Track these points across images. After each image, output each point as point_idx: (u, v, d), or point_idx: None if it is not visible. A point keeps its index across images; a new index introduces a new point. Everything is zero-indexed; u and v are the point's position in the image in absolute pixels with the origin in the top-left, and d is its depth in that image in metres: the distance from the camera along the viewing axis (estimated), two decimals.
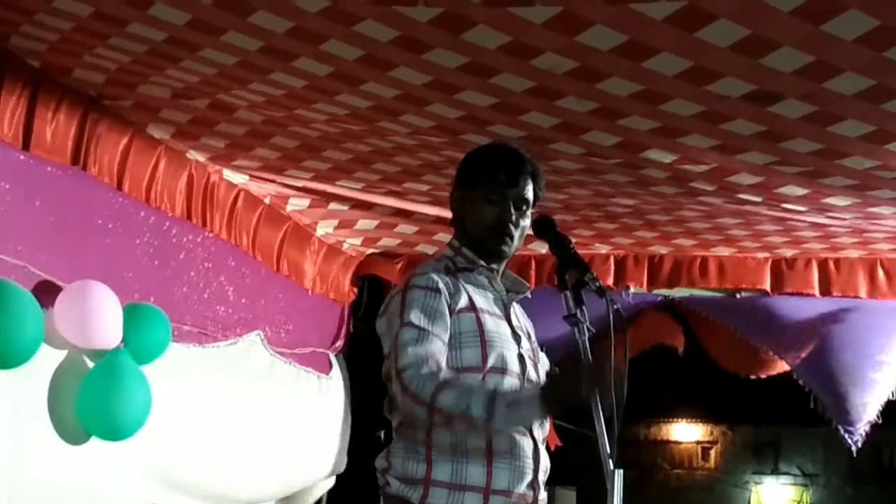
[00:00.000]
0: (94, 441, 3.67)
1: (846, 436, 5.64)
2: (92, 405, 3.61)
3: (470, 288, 2.66)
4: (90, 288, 3.65)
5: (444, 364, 2.50)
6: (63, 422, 3.60)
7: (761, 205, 4.37)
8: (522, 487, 2.56)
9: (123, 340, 3.71)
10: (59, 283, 3.63)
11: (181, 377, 4.20)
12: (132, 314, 3.79)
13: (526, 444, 2.59)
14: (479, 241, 2.70)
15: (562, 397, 2.43)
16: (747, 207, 4.47)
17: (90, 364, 3.70)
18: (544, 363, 2.80)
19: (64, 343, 3.61)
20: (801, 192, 4.13)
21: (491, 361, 2.58)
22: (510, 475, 2.54)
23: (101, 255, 3.97)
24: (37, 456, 3.51)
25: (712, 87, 3.12)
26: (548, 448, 2.76)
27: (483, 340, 2.58)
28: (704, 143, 3.66)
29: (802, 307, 5.67)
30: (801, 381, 5.83)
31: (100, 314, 3.62)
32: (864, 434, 5.64)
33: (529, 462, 2.58)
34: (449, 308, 2.58)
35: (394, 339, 2.53)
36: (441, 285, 2.59)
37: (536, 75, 3.14)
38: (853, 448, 5.61)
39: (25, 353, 3.32)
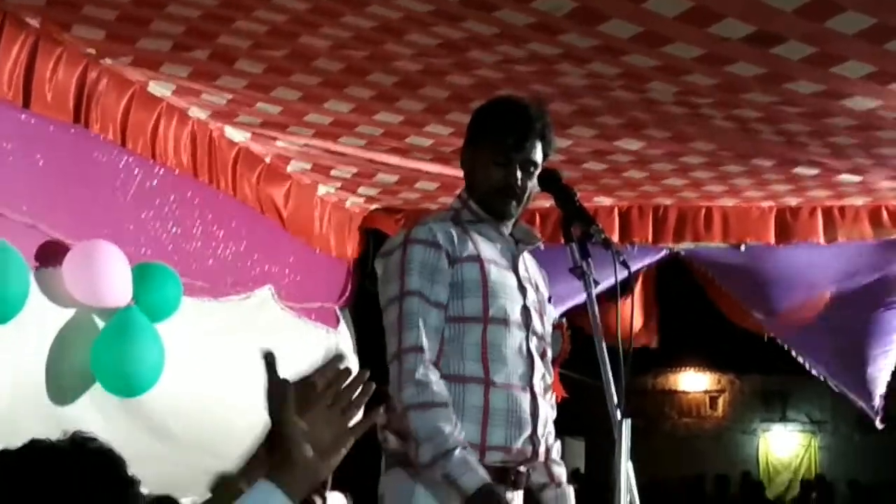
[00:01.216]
0: (108, 395, 3.73)
1: (869, 411, 5.71)
2: (106, 362, 3.66)
3: (478, 237, 2.66)
4: (98, 247, 3.68)
5: (436, 346, 2.53)
6: (75, 379, 3.64)
7: (770, 134, 4.29)
8: (520, 442, 2.57)
9: (134, 299, 3.76)
10: (69, 242, 3.66)
11: (197, 329, 4.26)
12: (142, 273, 3.83)
13: (523, 398, 2.59)
14: (485, 201, 2.69)
15: None
16: (752, 126, 4.40)
17: (100, 322, 3.74)
18: (551, 315, 2.80)
19: (72, 302, 3.64)
20: (804, 128, 4.09)
21: (492, 311, 2.58)
22: (506, 431, 2.55)
23: (110, 212, 4.00)
24: (36, 411, 3.53)
25: (714, 29, 3.09)
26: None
27: (485, 290, 2.58)
28: (706, 81, 3.63)
29: (802, 266, 5.66)
30: (812, 369, 5.91)
31: (108, 273, 3.66)
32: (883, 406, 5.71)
33: (527, 417, 2.58)
34: (451, 258, 2.58)
35: (398, 308, 2.55)
36: (441, 237, 2.59)
37: (537, 14, 3.11)
38: (878, 421, 5.69)
39: (9, 311, 3.30)
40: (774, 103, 3.80)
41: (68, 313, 3.67)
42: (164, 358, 3.78)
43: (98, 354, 3.66)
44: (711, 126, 4.28)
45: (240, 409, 4.59)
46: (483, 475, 2.41)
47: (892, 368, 5.73)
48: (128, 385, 3.73)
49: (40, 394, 3.57)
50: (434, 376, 2.48)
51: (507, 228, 2.73)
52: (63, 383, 3.64)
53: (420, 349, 2.49)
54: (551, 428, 2.79)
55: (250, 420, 4.60)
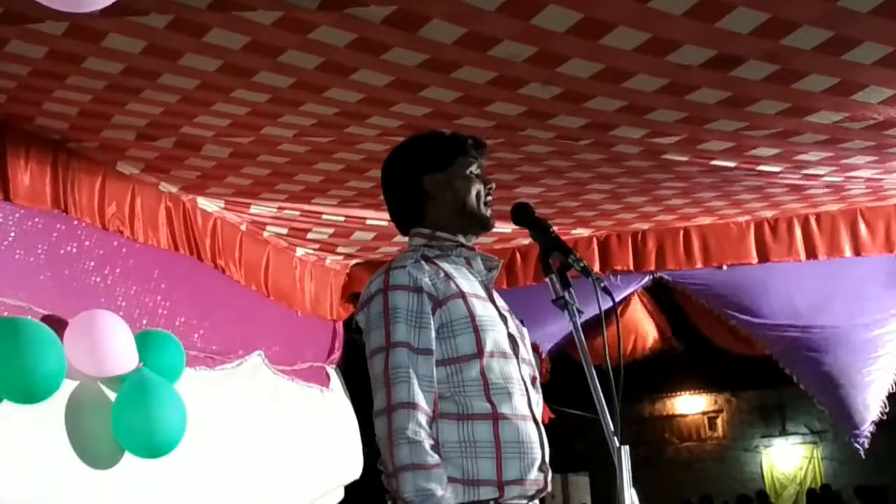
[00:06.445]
0: (126, 464, 3.73)
1: (852, 440, 5.76)
2: (128, 425, 3.65)
3: (453, 273, 2.61)
4: (98, 316, 3.70)
5: (430, 397, 2.45)
6: (97, 448, 3.66)
7: (736, 170, 4.36)
8: (533, 473, 2.54)
9: (142, 362, 3.76)
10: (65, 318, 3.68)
11: (198, 398, 4.25)
12: (144, 340, 3.85)
13: (530, 428, 2.55)
14: (468, 216, 2.67)
15: None
16: (723, 174, 4.46)
17: (107, 390, 3.73)
18: (528, 338, 2.78)
19: (78, 374, 3.64)
20: (773, 151, 4.12)
21: (486, 346, 2.54)
22: (520, 464, 2.50)
23: (101, 292, 4.02)
24: (69, 485, 3.56)
25: (672, 57, 3.11)
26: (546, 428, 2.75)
27: (475, 326, 2.53)
28: (671, 116, 3.66)
29: (787, 285, 5.70)
30: (801, 386, 5.97)
31: (112, 340, 3.67)
32: (869, 436, 5.76)
33: (536, 447, 2.54)
34: (435, 300, 2.54)
35: (384, 360, 2.46)
36: (423, 281, 2.54)
37: (497, 65, 3.14)
38: (861, 451, 5.74)
39: (50, 388, 3.38)
40: (741, 129, 3.82)
41: (73, 385, 3.66)
42: (185, 413, 3.78)
43: (119, 418, 3.65)
44: (679, 172, 4.33)
45: (250, 470, 4.69)
46: None
47: (877, 395, 5.78)
48: (154, 444, 3.72)
49: (73, 470, 3.59)
50: (426, 434, 2.40)
51: (473, 257, 2.70)
52: (88, 456, 3.64)
53: (412, 405, 2.40)
54: None
55: (260, 480, 4.68)
